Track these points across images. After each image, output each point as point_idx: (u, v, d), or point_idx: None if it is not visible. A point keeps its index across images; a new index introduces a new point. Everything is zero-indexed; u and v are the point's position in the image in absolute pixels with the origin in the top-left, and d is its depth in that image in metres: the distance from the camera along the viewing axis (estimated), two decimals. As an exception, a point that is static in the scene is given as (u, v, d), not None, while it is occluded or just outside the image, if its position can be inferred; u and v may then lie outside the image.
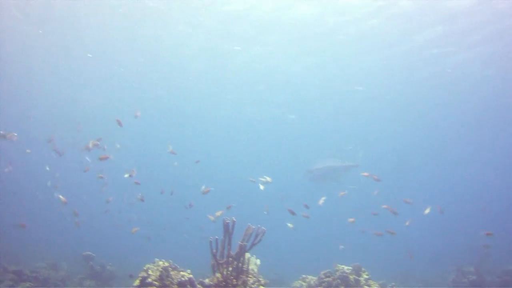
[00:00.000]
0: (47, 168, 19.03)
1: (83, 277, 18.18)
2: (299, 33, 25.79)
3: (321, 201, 14.34)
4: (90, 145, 14.00)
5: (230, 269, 7.96)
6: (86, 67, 32.16)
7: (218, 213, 10.83)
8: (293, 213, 12.01)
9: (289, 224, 13.93)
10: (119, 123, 13.87)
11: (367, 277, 11.21)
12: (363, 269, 11.45)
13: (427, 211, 14.29)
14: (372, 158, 49.44)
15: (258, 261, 9.32)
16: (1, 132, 14.89)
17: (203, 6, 23.65)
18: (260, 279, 8.98)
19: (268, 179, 13.88)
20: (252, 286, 8.57)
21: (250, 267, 8.84)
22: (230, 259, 7.92)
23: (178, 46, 28.61)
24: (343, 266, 11.12)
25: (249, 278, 8.39)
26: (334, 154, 31.75)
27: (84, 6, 23.88)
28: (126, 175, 13.64)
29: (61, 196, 11.36)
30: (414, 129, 43.35)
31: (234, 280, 7.95)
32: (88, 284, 17.67)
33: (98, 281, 17.92)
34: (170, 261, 9.19)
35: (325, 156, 29.92)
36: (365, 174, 13.50)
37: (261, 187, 14.88)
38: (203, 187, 12.48)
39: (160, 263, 8.81)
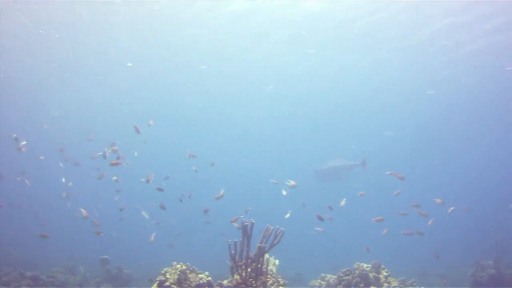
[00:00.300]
0: (63, 180, 19.03)
1: (100, 281, 18.18)
2: (307, 29, 25.61)
3: (342, 202, 14.11)
4: (107, 153, 13.84)
5: (249, 270, 7.85)
6: (95, 72, 32.24)
7: (234, 219, 10.70)
8: (321, 219, 11.81)
9: (318, 229, 13.68)
10: (137, 130, 13.70)
11: (386, 274, 11.07)
12: (382, 266, 11.31)
13: (450, 210, 14.05)
14: (384, 156, 49.41)
15: (276, 262, 9.21)
16: (15, 135, 14.92)
17: (208, 8, 23.63)
18: (279, 279, 8.87)
19: (293, 182, 13.60)
20: (271, 287, 8.47)
21: (269, 267, 8.74)
22: (249, 260, 7.81)
23: (185, 48, 28.57)
24: (362, 264, 10.98)
25: (268, 279, 8.28)
26: (339, 153, 32.34)
27: (89, 10, 23.94)
28: (143, 179, 13.50)
29: (82, 210, 11.23)
30: (428, 124, 43.02)
31: (253, 281, 7.84)
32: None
33: (115, 284, 17.89)
34: (188, 263, 9.11)
35: (332, 156, 30.60)
36: (390, 172, 13.23)
37: (284, 192, 14.64)
38: (222, 191, 12.25)
39: (178, 266, 8.73)
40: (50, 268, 19.52)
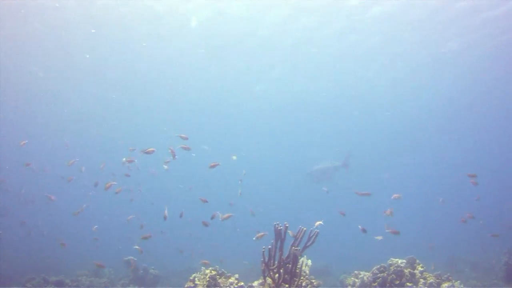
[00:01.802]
0: (84, 206, 18.87)
1: (126, 283, 17.94)
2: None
3: (388, 212, 13.68)
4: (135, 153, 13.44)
5: (282, 271, 7.47)
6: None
7: (260, 235, 10.29)
8: (396, 232, 11.47)
9: (378, 238, 13.22)
10: (173, 154, 13.26)
11: (422, 269, 10.62)
12: (417, 261, 10.85)
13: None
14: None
15: (309, 262, 8.80)
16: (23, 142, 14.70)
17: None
18: (313, 280, 8.47)
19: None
20: (305, 289, 8.08)
21: (302, 268, 8.35)
22: (282, 263, 7.43)
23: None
24: (397, 259, 10.52)
25: (301, 281, 7.89)
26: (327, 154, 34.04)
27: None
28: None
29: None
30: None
31: (287, 285, 7.47)
32: (132, 289, 17.45)
33: (141, 286, 17.63)
34: (217, 267, 8.74)
35: (321, 158, 32.58)
36: (471, 175, 12.79)
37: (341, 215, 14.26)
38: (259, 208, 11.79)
39: (207, 271, 8.35)
40: (74, 271, 19.39)
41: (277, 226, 7.27)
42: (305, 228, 7.45)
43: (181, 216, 13.24)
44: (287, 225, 7.30)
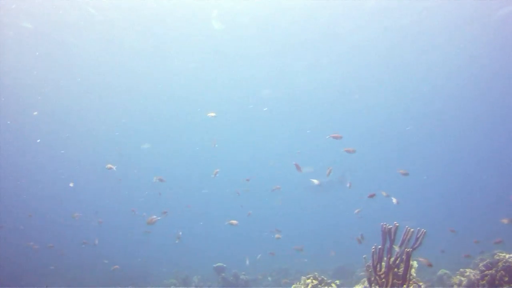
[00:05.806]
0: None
1: (216, 290, 17.79)
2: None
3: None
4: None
5: (390, 278, 7.00)
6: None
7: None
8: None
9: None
10: (298, 168, 12.70)
11: (531, 263, 9.85)
12: (526, 255, 10.07)
13: None
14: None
15: (415, 263, 8.28)
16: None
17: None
18: (420, 283, 7.96)
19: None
20: (414, 294, 7.57)
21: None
22: (390, 268, 6.97)
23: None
24: (505, 254, 9.79)
25: (410, 285, 7.40)
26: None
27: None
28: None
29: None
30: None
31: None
32: (222, 296, 17.26)
33: (232, 292, 17.38)
34: (316, 274, 8.35)
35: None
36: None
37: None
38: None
39: (308, 281, 7.96)
40: (162, 280, 19.48)
41: (385, 226, 6.83)
42: (412, 229, 6.98)
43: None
44: (397, 224, 6.84)
